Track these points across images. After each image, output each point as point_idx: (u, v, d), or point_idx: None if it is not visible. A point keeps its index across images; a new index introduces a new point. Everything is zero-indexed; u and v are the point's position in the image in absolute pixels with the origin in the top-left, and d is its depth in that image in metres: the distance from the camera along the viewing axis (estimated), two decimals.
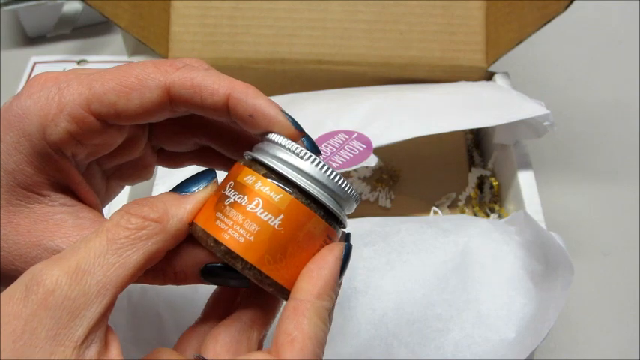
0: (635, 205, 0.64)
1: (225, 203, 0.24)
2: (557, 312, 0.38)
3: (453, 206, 0.56)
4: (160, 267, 0.25)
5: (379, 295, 0.41)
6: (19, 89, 0.75)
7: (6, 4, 0.76)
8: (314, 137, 0.49)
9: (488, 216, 0.55)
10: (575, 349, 0.54)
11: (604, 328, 0.55)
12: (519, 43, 0.55)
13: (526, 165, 0.51)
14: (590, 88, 0.74)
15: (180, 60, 0.27)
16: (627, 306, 0.57)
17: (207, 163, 0.32)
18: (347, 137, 0.50)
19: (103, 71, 0.26)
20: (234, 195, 0.24)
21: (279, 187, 0.24)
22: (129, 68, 0.26)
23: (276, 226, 0.24)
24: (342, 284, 0.41)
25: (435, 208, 0.55)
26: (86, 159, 0.27)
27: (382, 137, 0.49)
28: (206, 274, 0.25)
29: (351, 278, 0.41)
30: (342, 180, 0.25)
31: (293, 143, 0.25)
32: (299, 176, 0.24)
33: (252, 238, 0.23)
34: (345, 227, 0.27)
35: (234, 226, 0.23)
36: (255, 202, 0.24)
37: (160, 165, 0.33)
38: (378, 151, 0.48)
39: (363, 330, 0.40)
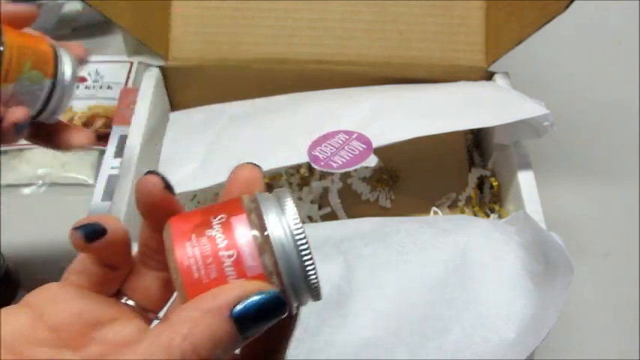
0: (635, 205, 0.64)
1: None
2: (557, 312, 0.38)
3: (453, 206, 0.56)
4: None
5: (379, 295, 0.41)
6: None
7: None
8: (314, 137, 0.49)
9: (488, 216, 0.55)
10: (575, 349, 0.54)
11: (604, 328, 0.55)
12: (519, 43, 0.55)
13: (526, 165, 0.51)
14: (590, 88, 0.74)
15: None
16: (627, 306, 0.57)
17: None
18: (347, 137, 0.50)
19: None
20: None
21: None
22: None
23: None
24: (343, 284, 0.41)
25: (435, 208, 0.55)
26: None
27: (382, 137, 0.49)
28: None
29: (351, 278, 0.41)
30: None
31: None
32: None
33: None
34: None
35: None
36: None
37: None
38: (378, 151, 0.48)
39: (363, 330, 0.40)
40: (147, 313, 0.27)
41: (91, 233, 0.24)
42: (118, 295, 0.27)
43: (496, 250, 0.43)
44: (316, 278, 0.24)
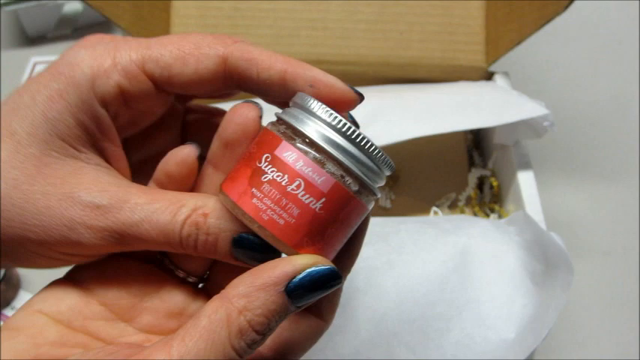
0: (635, 205, 0.64)
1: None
2: (557, 312, 0.38)
3: (453, 206, 0.56)
4: (193, 233, 0.24)
5: (379, 294, 0.41)
6: None
7: (6, 4, 0.76)
8: None
9: (488, 216, 0.55)
10: (575, 349, 0.54)
11: (604, 328, 0.55)
12: (519, 43, 0.55)
13: (526, 165, 0.51)
14: (590, 88, 0.74)
15: (234, 36, 0.27)
16: (627, 306, 0.57)
17: None
18: None
19: (161, 37, 0.26)
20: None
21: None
22: (187, 35, 0.25)
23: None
24: (344, 284, 0.41)
25: (435, 208, 0.55)
26: (124, 129, 0.26)
27: (382, 137, 0.49)
28: (238, 245, 0.24)
29: (352, 278, 0.41)
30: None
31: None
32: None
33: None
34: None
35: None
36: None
37: None
38: None
39: (364, 330, 0.40)
40: (190, 277, 0.27)
41: None
42: (160, 260, 0.27)
43: (496, 250, 0.43)
44: (380, 150, 0.23)
